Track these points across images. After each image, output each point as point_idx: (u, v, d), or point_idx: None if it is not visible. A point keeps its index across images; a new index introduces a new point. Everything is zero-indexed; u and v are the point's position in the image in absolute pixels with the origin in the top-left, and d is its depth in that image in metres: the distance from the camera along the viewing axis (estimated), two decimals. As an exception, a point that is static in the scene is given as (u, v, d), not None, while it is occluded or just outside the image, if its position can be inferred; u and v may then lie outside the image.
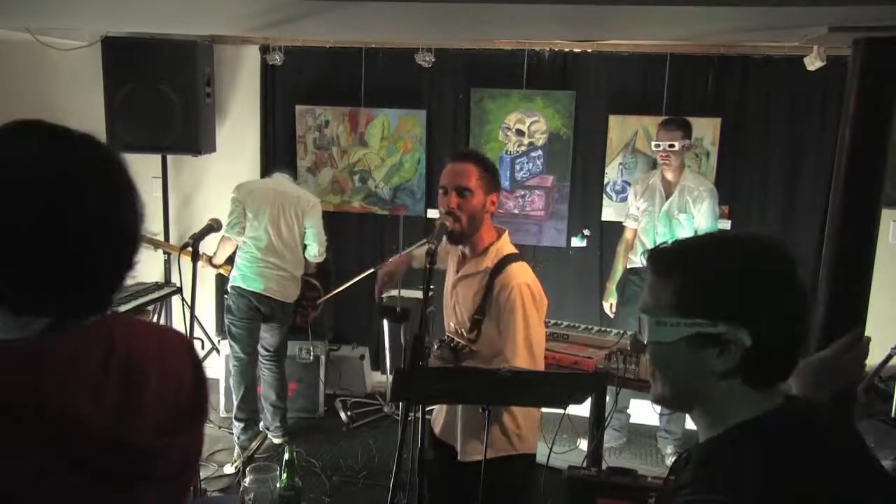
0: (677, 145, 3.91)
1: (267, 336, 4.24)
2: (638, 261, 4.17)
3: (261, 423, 4.31)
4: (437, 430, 2.54)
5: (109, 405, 0.95)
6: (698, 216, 3.98)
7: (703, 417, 1.12)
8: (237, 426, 4.16)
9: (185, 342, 1.14)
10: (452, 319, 2.46)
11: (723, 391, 1.07)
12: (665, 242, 1.16)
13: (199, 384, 1.11)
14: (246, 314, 4.10)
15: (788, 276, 1.07)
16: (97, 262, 0.97)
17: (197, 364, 1.13)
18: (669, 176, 4.03)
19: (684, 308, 1.07)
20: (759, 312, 1.04)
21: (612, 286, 4.35)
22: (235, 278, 4.12)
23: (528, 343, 2.24)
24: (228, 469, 4.03)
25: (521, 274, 2.29)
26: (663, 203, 4.04)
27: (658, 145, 3.99)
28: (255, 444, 4.15)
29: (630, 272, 4.24)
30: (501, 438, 2.32)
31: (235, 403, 4.20)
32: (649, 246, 4.10)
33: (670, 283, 1.09)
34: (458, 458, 2.40)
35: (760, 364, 1.05)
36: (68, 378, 0.93)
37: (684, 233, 4.01)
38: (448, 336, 2.44)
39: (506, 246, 2.38)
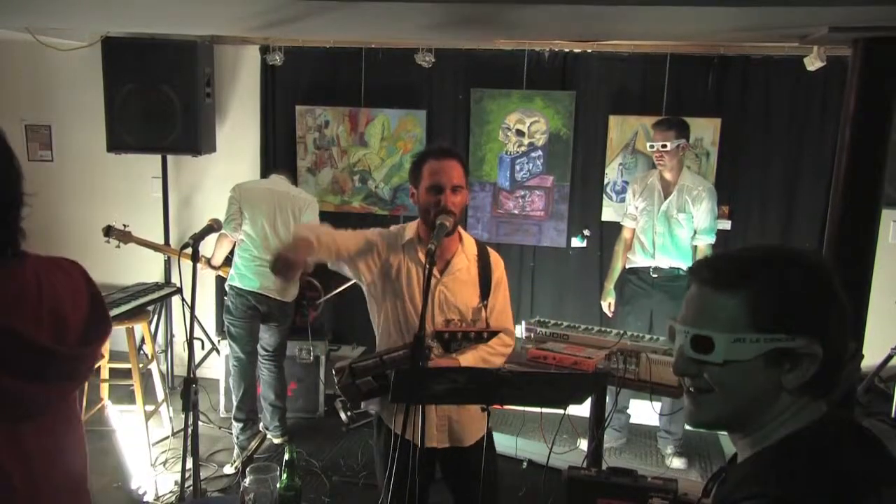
0: (669, 145, 3.91)
1: (266, 336, 4.25)
2: (637, 260, 4.17)
3: (260, 424, 4.32)
4: (395, 427, 2.43)
5: (47, 327, 1.26)
6: (697, 216, 3.99)
7: (752, 434, 1.08)
8: (236, 426, 4.16)
9: (80, 267, 1.40)
10: (443, 316, 2.40)
11: (783, 406, 1.05)
12: (712, 255, 1.14)
13: (96, 300, 1.38)
14: (244, 314, 4.10)
15: (839, 286, 1.06)
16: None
17: (89, 280, 1.40)
18: (668, 175, 4.03)
19: (761, 323, 1.02)
20: (830, 325, 1.03)
21: (610, 286, 4.34)
22: (233, 277, 4.12)
23: (509, 303, 2.52)
24: (228, 469, 4.03)
25: (492, 250, 2.54)
26: (662, 202, 4.04)
27: (652, 145, 4.00)
28: (254, 444, 4.15)
29: (629, 272, 4.24)
30: (479, 423, 2.47)
31: (235, 403, 4.20)
32: (647, 245, 4.10)
33: (738, 297, 1.04)
34: (450, 444, 2.45)
35: (826, 376, 1.04)
36: (12, 310, 1.22)
37: (683, 232, 4.02)
38: (440, 331, 2.35)
39: (465, 234, 2.51)
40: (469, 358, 2.36)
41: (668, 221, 4.03)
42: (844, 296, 1.06)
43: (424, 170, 2.33)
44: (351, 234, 2.47)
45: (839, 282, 1.07)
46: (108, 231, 4.32)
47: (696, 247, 4.03)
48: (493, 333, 2.36)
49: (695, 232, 4.02)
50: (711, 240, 4.04)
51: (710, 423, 1.12)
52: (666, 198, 4.04)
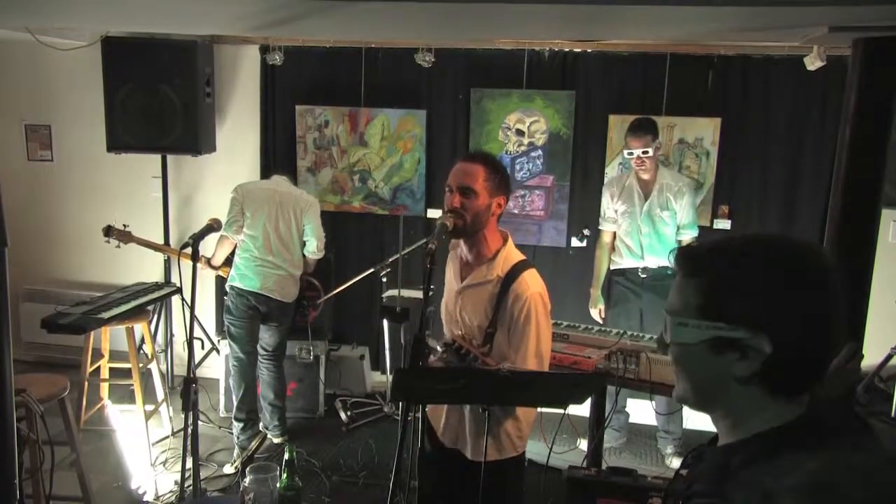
0: (651, 150, 3.92)
1: (266, 336, 4.24)
2: (624, 262, 4.17)
3: (260, 423, 4.32)
4: (438, 431, 2.48)
5: None
6: (680, 211, 4.02)
7: (723, 420, 1.11)
8: (236, 426, 4.16)
9: None
10: (456, 327, 2.39)
11: (744, 396, 1.06)
12: (695, 242, 1.14)
13: None
14: (244, 314, 4.10)
15: (817, 283, 1.04)
16: None
17: None
18: (645, 176, 4.04)
19: (707, 310, 1.05)
20: (780, 320, 1.02)
21: (597, 292, 4.31)
22: (234, 278, 4.11)
23: (538, 353, 2.25)
24: (228, 469, 4.03)
25: (534, 283, 2.26)
26: (643, 203, 4.05)
27: (631, 153, 3.97)
28: (254, 444, 4.15)
29: (615, 273, 4.24)
30: (507, 441, 2.33)
31: (235, 403, 4.20)
32: (634, 247, 4.11)
33: (694, 284, 1.07)
34: (470, 456, 2.36)
35: (782, 372, 1.03)
36: None
37: (668, 230, 4.04)
38: (454, 342, 2.30)
39: (513, 252, 2.34)
40: None
41: (652, 221, 4.04)
42: (825, 294, 1.04)
43: (451, 171, 2.32)
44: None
45: (825, 278, 1.04)
46: (108, 231, 4.32)
47: (680, 242, 4.04)
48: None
49: (678, 228, 4.04)
50: (695, 233, 4.07)
51: (681, 398, 1.15)
52: (646, 198, 4.04)
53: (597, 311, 4.33)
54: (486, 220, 2.27)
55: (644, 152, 3.92)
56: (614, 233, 4.21)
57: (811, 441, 1.02)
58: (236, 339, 4.14)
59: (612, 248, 4.24)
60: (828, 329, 1.04)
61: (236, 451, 4.14)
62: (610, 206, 4.18)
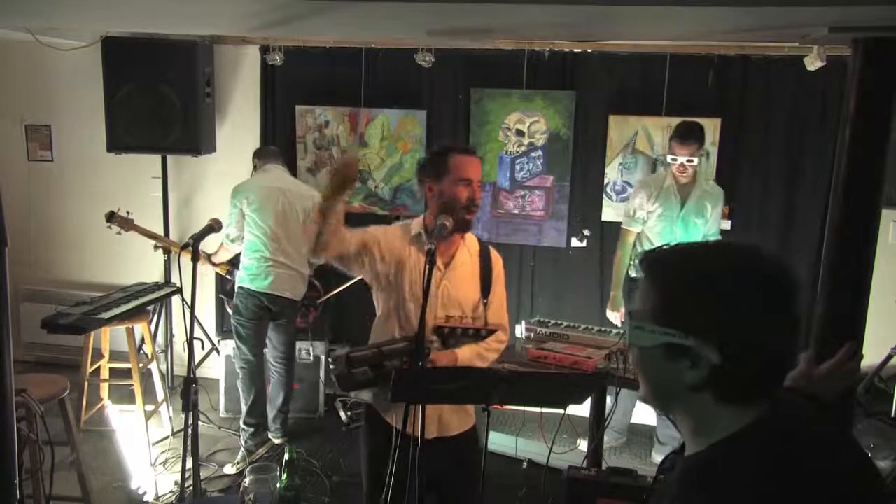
0: (696, 160, 3.81)
1: (275, 335, 4.23)
2: None
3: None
4: (392, 420, 2.42)
5: None
6: (711, 221, 3.97)
7: (684, 428, 1.12)
8: (247, 431, 4.12)
9: None
10: (443, 310, 2.40)
11: (698, 404, 1.07)
12: (665, 245, 1.14)
13: None
14: (255, 314, 4.06)
15: (772, 299, 1.03)
16: None
17: None
18: (685, 181, 3.93)
19: (661, 316, 1.06)
20: (728, 331, 1.02)
21: (618, 292, 4.15)
22: (243, 279, 4.06)
23: (506, 306, 2.55)
24: (229, 469, 4.02)
25: (492, 247, 2.57)
26: (680, 208, 3.94)
27: (675, 158, 3.83)
28: (262, 451, 4.12)
29: (633, 280, 4.17)
30: (465, 414, 2.50)
31: (245, 409, 4.14)
32: None
33: (654, 290, 1.09)
34: (437, 434, 2.41)
35: (730, 382, 1.04)
36: None
37: (698, 236, 3.96)
38: (440, 327, 2.37)
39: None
40: (466, 353, 2.38)
41: (686, 227, 3.96)
42: (778, 311, 1.03)
43: (451, 163, 2.37)
44: (358, 230, 2.46)
45: (782, 293, 1.04)
46: (111, 217, 4.26)
47: None
48: (491, 332, 2.38)
49: (704, 237, 3.99)
50: (703, 233, 4.01)
51: (644, 399, 1.16)
52: (683, 203, 3.94)
53: (617, 315, 4.15)
54: None
55: (689, 160, 3.80)
56: (637, 233, 4.06)
57: (749, 450, 1.03)
58: (245, 341, 4.10)
59: (634, 248, 4.09)
60: (779, 345, 1.05)
61: (241, 453, 4.11)
62: (644, 206, 3.99)
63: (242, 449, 4.13)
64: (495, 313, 2.48)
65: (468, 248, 2.50)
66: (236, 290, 4.11)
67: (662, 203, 3.97)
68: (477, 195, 2.38)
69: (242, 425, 4.15)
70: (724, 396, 1.05)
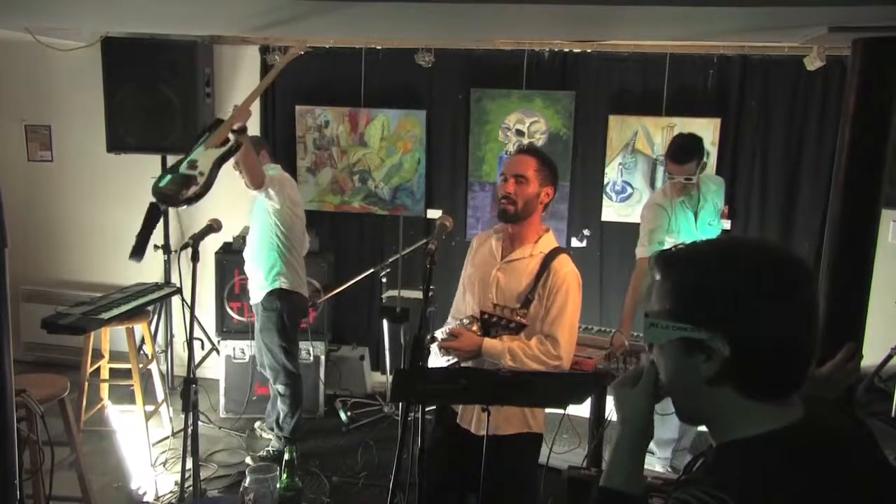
0: (694, 178, 3.64)
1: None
2: None
3: (259, 422, 4.32)
4: (457, 416, 2.61)
5: None
6: (716, 211, 3.91)
7: (708, 423, 1.12)
8: (281, 441, 4.02)
9: None
10: (490, 300, 2.52)
11: (718, 399, 1.07)
12: (678, 245, 1.15)
13: None
14: (298, 322, 3.97)
15: (776, 287, 1.04)
16: None
17: None
18: (690, 190, 3.75)
19: (675, 312, 1.08)
20: (735, 322, 1.03)
21: (631, 322, 3.64)
22: (290, 282, 3.85)
23: (571, 326, 2.48)
24: (249, 461, 4.01)
25: (570, 264, 2.55)
26: (696, 219, 3.81)
27: (671, 176, 3.67)
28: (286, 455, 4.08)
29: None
30: (518, 416, 2.50)
31: (287, 426, 4.00)
32: None
33: (667, 287, 1.10)
34: (474, 431, 2.50)
35: (748, 374, 1.04)
36: None
37: (714, 233, 3.85)
38: (484, 313, 2.44)
39: (552, 240, 2.61)
40: (496, 344, 2.42)
41: (704, 232, 3.84)
42: (790, 301, 1.04)
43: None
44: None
45: (794, 284, 1.04)
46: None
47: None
48: (521, 326, 2.40)
49: (709, 225, 3.92)
50: (721, 228, 3.94)
51: (665, 395, 1.18)
52: (696, 211, 3.81)
53: (622, 343, 3.50)
54: (535, 207, 2.53)
55: (687, 179, 3.63)
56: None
57: (784, 455, 1.02)
58: (293, 356, 3.94)
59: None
60: (792, 335, 1.05)
61: (265, 452, 4.07)
62: (664, 230, 3.70)
63: (269, 450, 4.08)
64: (550, 323, 2.47)
65: (537, 247, 2.55)
66: (279, 293, 3.87)
67: (680, 218, 3.77)
68: (508, 188, 2.50)
69: (281, 436, 4.03)
70: (746, 390, 1.05)
